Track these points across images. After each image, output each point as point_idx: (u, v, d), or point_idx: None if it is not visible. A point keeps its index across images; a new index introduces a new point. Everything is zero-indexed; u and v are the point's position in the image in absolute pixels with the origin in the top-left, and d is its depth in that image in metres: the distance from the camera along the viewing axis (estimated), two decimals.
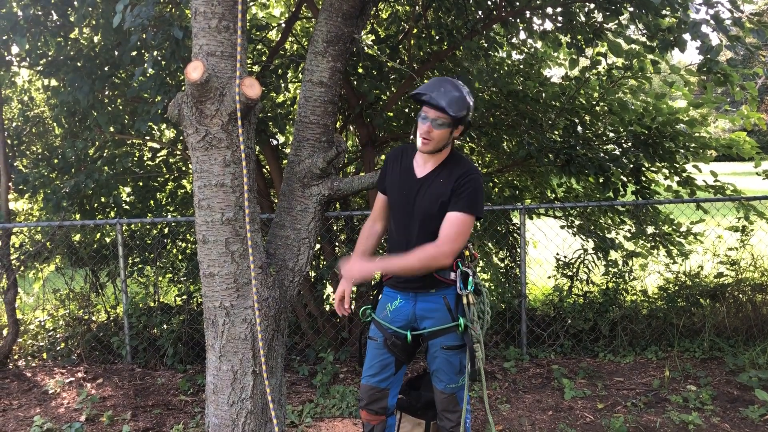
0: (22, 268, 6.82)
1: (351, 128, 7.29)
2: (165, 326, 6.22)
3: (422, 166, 3.20)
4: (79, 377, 5.78)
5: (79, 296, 6.87)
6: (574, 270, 6.69)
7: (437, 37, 6.59)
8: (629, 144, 6.54)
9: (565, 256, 6.78)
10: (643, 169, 6.55)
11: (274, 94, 6.90)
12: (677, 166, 6.53)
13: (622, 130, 6.69)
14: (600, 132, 6.98)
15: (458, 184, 3.06)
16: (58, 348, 6.51)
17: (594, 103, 6.85)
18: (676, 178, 6.63)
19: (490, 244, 7.26)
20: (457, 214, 3.04)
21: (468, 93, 3.09)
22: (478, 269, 5.92)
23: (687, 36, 5.02)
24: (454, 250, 3.06)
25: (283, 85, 6.80)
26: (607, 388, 5.20)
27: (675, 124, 6.36)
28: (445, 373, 3.21)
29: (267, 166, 6.89)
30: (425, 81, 6.72)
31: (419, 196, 3.16)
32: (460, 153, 3.26)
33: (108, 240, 7.22)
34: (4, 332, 6.48)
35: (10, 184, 6.39)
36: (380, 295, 3.43)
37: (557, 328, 6.23)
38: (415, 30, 6.73)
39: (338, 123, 6.72)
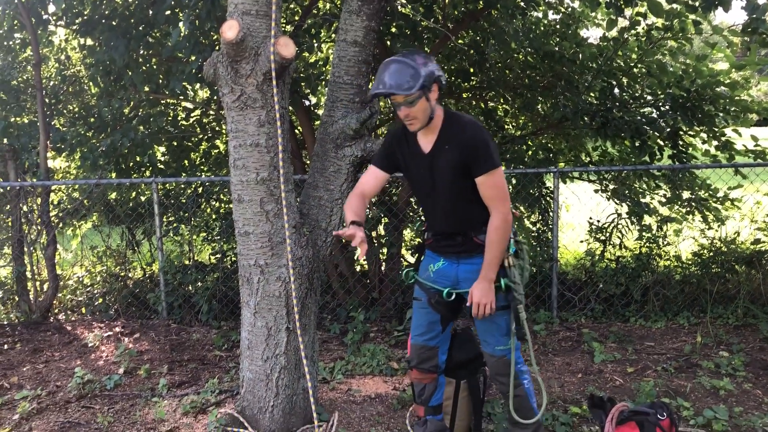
0: (60, 225, 6.99)
1: None
2: (200, 283, 6.35)
3: (425, 139, 3.13)
4: (117, 332, 5.95)
5: (116, 253, 7.03)
6: (607, 234, 6.63)
7: None
8: (667, 107, 6.40)
9: (598, 221, 6.72)
10: (681, 132, 6.42)
11: (307, 54, 6.87)
12: (716, 130, 6.38)
13: (660, 92, 6.54)
14: (637, 94, 6.84)
15: (469, 150, 2.99)
16: (96, 303, 6.69)
17: (632, 64, 6.70)
18: (715, 143, 6.48)
19: (522, 208, 7.21)
20: (486, 176, 2.98)
21: (416, 57, 2.94)
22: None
23: None
24: (507, 205, 3.03)
25: (316, 44, 6.76)
26: (638, 353, 5.19)
27: (715, 86, 6.20)
28: (491, 334, 3.19)
29: (299, 127, 6.90)
30: (460, 41, 6.65)
31: (434, 169, 3.12)
32: (452, 111, 3.13)
33: (143, 198, 7.34)
34: (45, 287, 6.67)
35: (48, 142, 6.51)
36: (422, 257, 3.43)
37: (588, 293, 6.21)
38: None
39: (371, 84, 6.68)
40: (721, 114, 6.27)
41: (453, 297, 3.23)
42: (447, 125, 3.07)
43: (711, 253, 6.30)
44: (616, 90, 6.77)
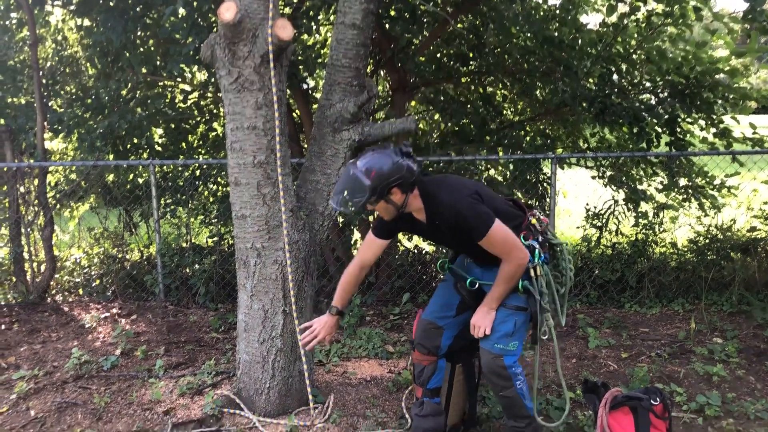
0: (58, 206, 6.99)
1: (382, 73, 7.22)
2: (197, 266, 6.36)
3: (418, 215, 3.24)
4: (114, 313, 5.96)
5: (113, 235, 7.03)
6: (604, 221, 6.64)
7: None
8: (666, 94, 6.39)
9: (594, 207, 6.73)
10: (679, 119, 6.41)
11: (306, 37, 6.84)
12: (715, 117, 6.37)
13: (659, 79, 6.53)
14: (636, 81, 6.82)
15: (456, 226, 3.09)
16: (94, 284, 6.70)
17: (631, 51, 6.67)
18: (713, 130, 6.48)
19: (519, 193, 7.22)
20: (483, 240, 3.07)
21: (372, 167, 3.00)
22: None
23: None
24: (516, 252, 3.10)
25: (314, 27, 6.72)
26: (632, 339, 5.23)
27: (715, 73, 6.18)
28: (495, 330, 3.21)
29: (297, 111, 6.88)
30: (459, 26, 6.61)
31: (439, 234, 3.28)
32: (427, 189, 3.18)
33: (141, 181, 7.33)
34: (42, 268, 6.68)
35: (45, 123, 6.49)
36: (459, 254, 3.54)
37: (584, 278, 6.23)
38: None
39: (369, 67, 6.66)
40: (719, 101, 6.26)
41: (476, 287, 3.34)
42: (427, 206, 3.18)
43: (707, 241, 6.32)
44: (615, 76, 6.75)
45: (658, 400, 3.15)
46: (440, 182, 3.22)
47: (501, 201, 3.33)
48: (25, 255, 6.63)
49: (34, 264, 6.70)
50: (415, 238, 7.07)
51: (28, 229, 6.60)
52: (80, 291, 6.70)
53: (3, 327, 5.72)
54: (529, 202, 7.24)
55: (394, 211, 3.13)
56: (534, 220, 3.35)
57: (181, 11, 5.30)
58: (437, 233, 3.28)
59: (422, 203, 3.16)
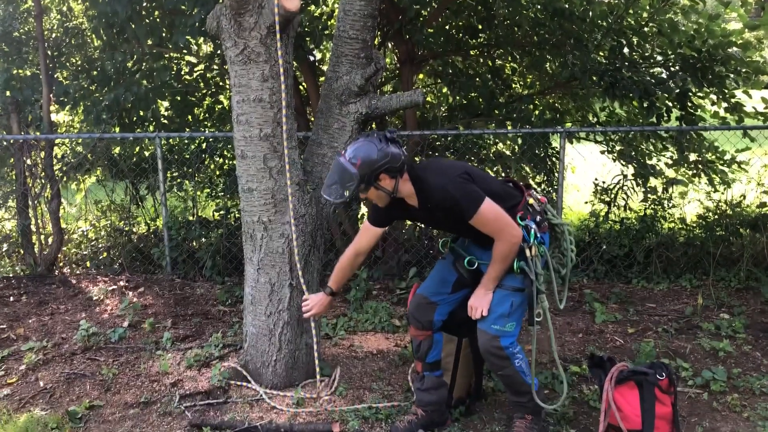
0: (64, 179, 6.99)
1: (390, 45, 7.14)
2: (203, 239, 6.37)
3: (411, 201, 3.25)
4: (121, 285, 5.99)
5: (120, 208, 7.05)
6: (612, 196, 6.60)
7: None
8: (677, 67, 6.30)
9: (603, 182, 6.68)
10: (690, 94, 6.33)
11: (312, 8, 6.76)
12: (726, 91, 6.28)
13: (670, 52, 6.43)
14: (647, 54, 6.72)
15: (447, 209, 3.12)
16: (101, 257, 6.73)
17: (643, 23, 6.57)
18: (724, 104, 6.39)
19: (527, 168, 7.17)
20: (474, 219, 3.09)
21: (359, 154, 3.06)
22: None
23: None
24: (508, 230, 3.10)
25: None
26: (639, 314, 5.22)
27: (727, 47, 6.08)
28: (492, 311, 3.22)
29: (304, 83, 6.83)
30: None
31: (433, 219, 3.36)
32: (417, 174, 3.19)
33: (147, 153, 7.32)
34: (50, 240, 6.70)
35: (51, 95, 6.46)
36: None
37: (591, 254, 6.21)
38: None
39: (376, 39, 6.58)
40: (732, 75, 6.17)
41: (475, 266, 3.37)
42: (418, 190, 3.19)
43: (716, 216, 6.28)
44: (626, 49, 6.65)
45: (663, 374, 3.15)
46: (428, 165, 3.29)
47: (494, 181, 3.35)
48: (33, 228, 6.66)
49: (42, 237, 6.73)
50: None
51: (36, 202, 6.61)
52: (87, 264, 6.73)
53: (12, 299, 5.76)
54: (537, 177, 7.24)
55: (386, 198, 3.18)
56: (531, 200, 3.34)
57: None
58: (432, 217, 3.32)
59: (413, 188, 3.19)
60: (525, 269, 3.19)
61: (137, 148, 7.43)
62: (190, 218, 6.68)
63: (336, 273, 3.56)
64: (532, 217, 3.26)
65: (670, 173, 6.67)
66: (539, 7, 6.63)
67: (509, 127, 6.89)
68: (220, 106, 7.55)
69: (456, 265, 3.44)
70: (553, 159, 7.00)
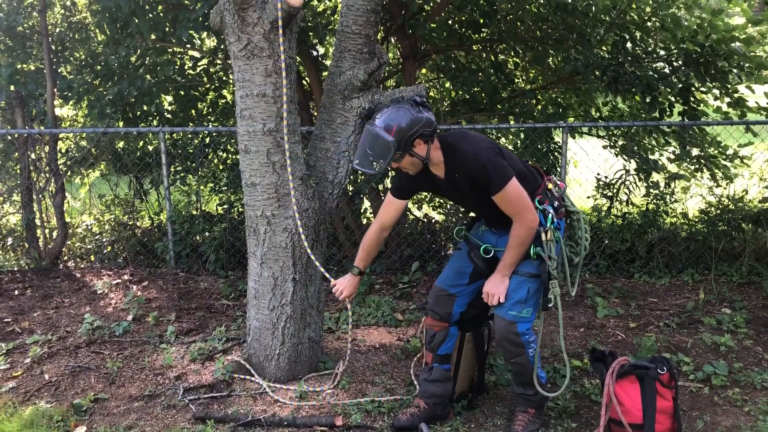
0: (68, 173, 7.02)
1: (392, 40, 7.15)
2: (207, 233, 6.39)
3: (437, 169, 3.23)
4: (126, 279, 6.02)
5: (124, 202, 7.07)
6: (615, 191, 6.61)
7: None
8: (680, 62, 6.29)
9: (605, 177, 6.69)
10: (693, 89, 6.32)
11: (315, 3, 6.76)
12: (729, 86, 6.28)
13: (673, 47, 6.42)
14: (650, 49, 6.72)
15: (475, 178, 3.09)
16: (105, 251, 6.76)
17: (646, 18, 6.56)
18: (727, 99, 6.39)
19: (530, 162, 7.17)
20: (498, 195, 3.08)
21: (392, 122, 3.03)
22: None
23: None
24: (527, 214, 3.10)
25: None
26: (641, 308, 5.23)
27: (730, 42, 6.07)
28: (509, 297, 3.23)
29: (307, 78, 6.84)
30: None
31: (457, 191, 3.27)
32: (447, 141, 3.18)
33: (151, 148, 7.34)
34: (54, 234, 6.73)
35: (55, 90, 6.48)
36: (476, 221, 3.54)
37: (593, 248, 6.22)
38: None
39: (379, 34, 6.59)
40: (734, 70, 6.17)
41: (491, 254, 3.36)
42: (448, 158, 3.17)
43: (718, 211, 6.28)
44: (629, 44, 6.65)
45: (665, 369, 3.17)
46: (461, 134, 3.25)
47: (521, 162, 3.32)
48: (37, 221, 6.68)
49: (46, 230, 6.76)
50: (425, 207, 7.07)
51: (40, 196, 6.64)
52: (92, 257, 6.76)
53: (16, 292, 5.79)
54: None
55: (419, 164, 3.15)
56: (551, 185, 3.36)
57: None
58: (455, 189, 3.26)
59: (442, 156, 3.16)
60: (541, 255, 3.19)
61: (141, 143, 7.45)
62: (194, 212, 6.70)
63: (362, 252, 3.55)
64: (550, 202, 3.26)
65: (673, 168, 6.67)
66: (542, 1, 6.63)
67: (512, 122, 6.90)
68: (223, 101, 7.56)
69: (471, 255, 3.43)
70: (556, 154, 7.00)
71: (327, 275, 3.79)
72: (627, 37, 6.59)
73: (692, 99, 6.33)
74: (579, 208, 3.50)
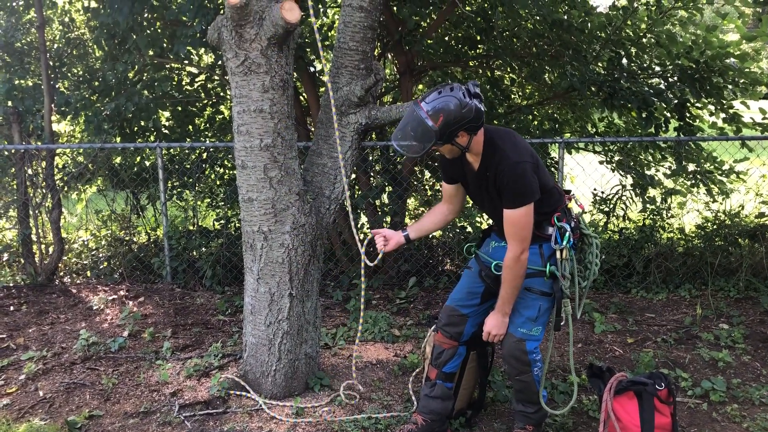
0: (65, 189, 7.01)
1: (389, 56, 7.19)
2: (204, 249, 6.38)
3: (473, 158, 3.18)
4: (122, 295, 6.00)
5: (121, 218, 7.06)
6: (611, 206, 6.62)
7: None
8: (675, 78, 6.34)
9: (602, 192, 6.71)
10: (688, 104, 6.36)
11: (313, 20, 6.78)
12: (724, 102, 6.32)
13: (668, 63, 6.47)
14: (646, 65, 6.77)
15: (501, 184, 3.05)
16: (101, 267, 6.74)
17: (641, 34, 6.62)
18: (722, 115, 6.43)
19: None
20: (508, 212, 3.05)
21: (432, 112, 2.93)
22: None
23: None
24: (523, 245, 3.07)
25: (321, 9, 6.68)
26: (638, 324, 5.22)
27: (725, 58, 6.12)
28: (520, 315, 3.21)
29: (304, 94, 6.86)
30: (468, 8, 6.56)
31: (481, 188, 3.22)
32: (492, 136, 3.13)
33: (148, 163, 7.34)
34: (50, 250, 6.71)
35: (52, 105, 6.49)
36: (486, 237, 3.52)
37: None
38: None
39: (376, 50, 6.62)
40: (729, 86, 6.21)
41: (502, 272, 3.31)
42: (487, 152, 3.11)
43: (714, 226, 6.29)
44: (624, 60, 6.70)
45: (663, 385, 3.16)
46: (509, 135, 3.16)
47: (550, 177, 3.29)
48: (34, 237, 6.66)
49: (43, 246, 6.73)
50: None
51: (36, 211, 6.63)
52: (88, 273, 6.74)
53: (12, 308, 5.76)
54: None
55: (458, 152, 3.11)
56: (570, 204, 3.35)
57: None
58: (482, 185, 3.20)
59: (483, 146, 3.11)
60: (555, 274, 3.18)
61: (138, 158, 7.46)
62: (191, 228, 6.69)
63: (421, 220, 3.53)
64: (568, 221, 3.24)
65: (669, 183, 6.69)
66: (538, 18, 6.68)
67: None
68: (220, 117, 7.58)
69: (482, 274, 3.38)
70: (552, 169, 7.01)
71: (359, 243, 3.72)
72: (622, 53, 6.64)
73: (688, 114, 6.37)
74: (592, 231, 3.47)
